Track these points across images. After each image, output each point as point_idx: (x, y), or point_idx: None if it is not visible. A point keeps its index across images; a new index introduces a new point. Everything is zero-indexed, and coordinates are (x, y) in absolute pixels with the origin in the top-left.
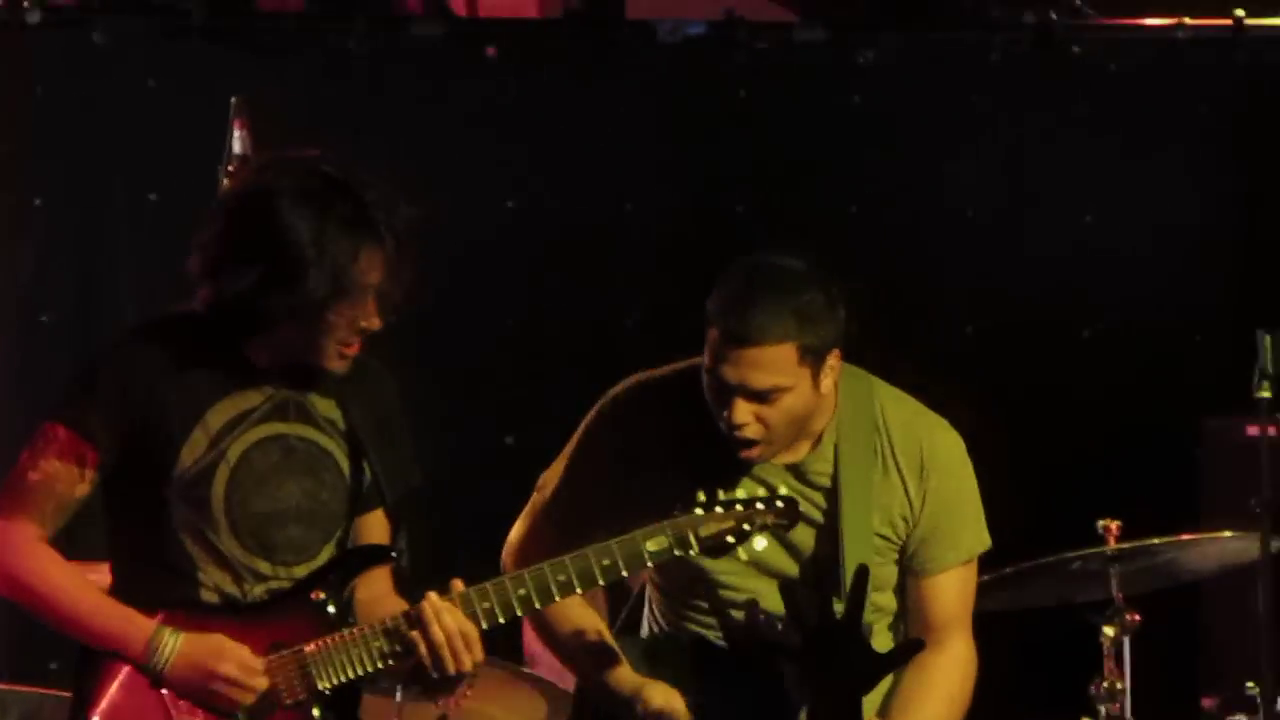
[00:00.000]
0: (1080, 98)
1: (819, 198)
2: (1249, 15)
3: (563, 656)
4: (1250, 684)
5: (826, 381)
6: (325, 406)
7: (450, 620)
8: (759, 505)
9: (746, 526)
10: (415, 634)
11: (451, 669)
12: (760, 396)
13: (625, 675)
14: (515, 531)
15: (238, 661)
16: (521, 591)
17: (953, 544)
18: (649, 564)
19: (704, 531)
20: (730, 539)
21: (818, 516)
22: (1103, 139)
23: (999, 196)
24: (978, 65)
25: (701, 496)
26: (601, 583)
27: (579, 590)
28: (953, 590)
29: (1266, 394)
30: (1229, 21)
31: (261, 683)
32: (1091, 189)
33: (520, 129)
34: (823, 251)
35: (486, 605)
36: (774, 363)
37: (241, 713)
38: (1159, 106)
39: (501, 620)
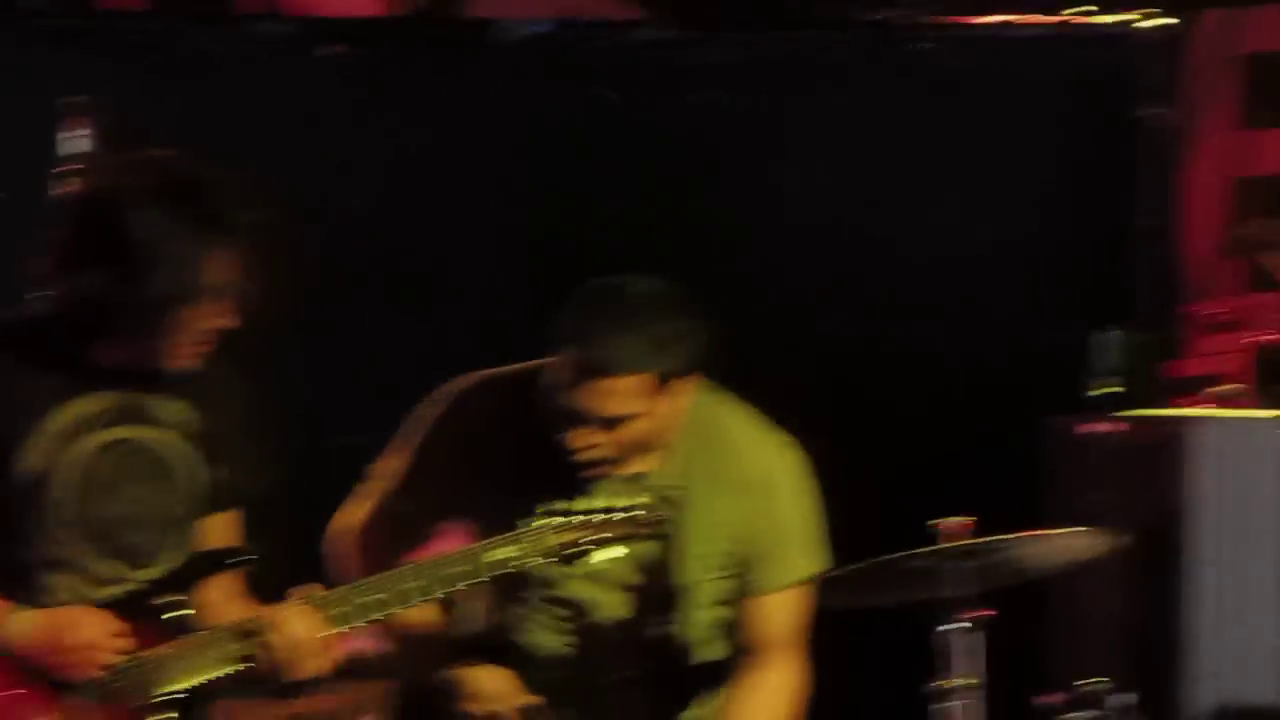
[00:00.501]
0: (920, 97)
1: (660, 198)
2: (1078, 15)
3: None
4: (1089, 681)
5: (680, 403)
6: (175, 409)
7: (296, 626)
8: (620, 515)
9: (608, 535)
10: (259, 639)
11: (294, 675)
12: (611, 424)
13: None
14: (346, 519)
15: (96, 625)
16: (376, 598)
17: (787, 565)
18: (509, 569)
19: (565, 539)
20: (591, 548)
21: (661, 527)
22: (942, 140)
23: (841, 198)
24: (819, 64)
25: (560, 504)
26: (460, 589)
27: (438, 596)
28: (784, 611)
29: (1101, 392)
30: (1056, 20)
31: (121, 645)
32: (932, 190)
33: (364, 128)
34: (663, 253)
35: (338, 611)
36: (627, 392)
37: (95, 685)
38: (995, 107)
39: (353, 626)
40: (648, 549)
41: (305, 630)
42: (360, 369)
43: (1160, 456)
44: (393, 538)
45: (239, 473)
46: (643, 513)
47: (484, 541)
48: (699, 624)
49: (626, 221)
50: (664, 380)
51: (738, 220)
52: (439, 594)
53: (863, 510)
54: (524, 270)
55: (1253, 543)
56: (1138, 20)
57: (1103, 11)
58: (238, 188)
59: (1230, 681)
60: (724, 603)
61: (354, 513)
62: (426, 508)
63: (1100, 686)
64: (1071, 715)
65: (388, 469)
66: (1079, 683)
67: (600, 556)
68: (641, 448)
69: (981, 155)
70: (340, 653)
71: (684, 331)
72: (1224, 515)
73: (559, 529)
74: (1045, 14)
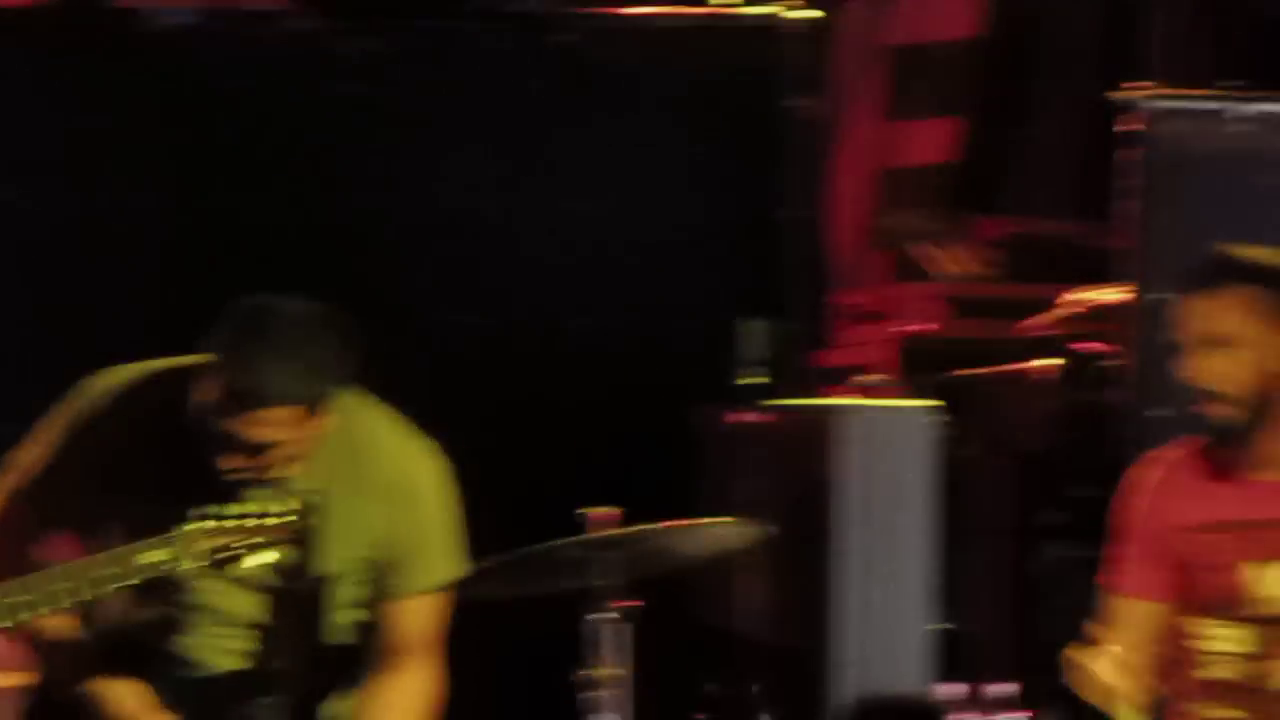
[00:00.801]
0: (570, 88)
1: (314, 193)
2: (725, 7)
3: None
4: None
5: (329, 419)
6: None
7: None
8: (270, 520)
9: (260, 540)
10: None
11: None
12: (262, 449)
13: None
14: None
15: None
16: (24, 599)
17: (425, 570)
18: (160, 573)
19: (216, 544)
20: (242, 553)
21: (304, 532)
22: (591, 133)
23: (490, 192)
24: (469, 56)
25: (213, 508)
26: (108, 592)
27: (88, 599)
28: (422, 615)
29: (749, 381)
30: (705, 11)
31: None
32: (582, 182)
33: (11, 120)
34: (320, 248)
35: None
36: (277, 422)
37: None
38: (643, 99)
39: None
40: (289, 553)
41: None
42: (4, 356)
43: (807, 446)
44: (20, 536)
45: None
46: (294, 517)
47: (135, 544)
48: (339, 626)
49: (272, 214)
50: (319, 404)
51: (384, 216)
52: (88, 596)
53: (513, 501)
54: (168, 263)
55: (899, 532)
56: (784, 12)
57: (750, 3)
58: None
59: (876, 670)
60: (364, 605)
61: None
62: (64, 505)
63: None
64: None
65: (24, 461)
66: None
67: (252, 561)
68: (291, 463)
69: (630, 148)
70: None
71: (337, 357)
72: (870, 505)
73: (211, 533)
74: (693, 6)
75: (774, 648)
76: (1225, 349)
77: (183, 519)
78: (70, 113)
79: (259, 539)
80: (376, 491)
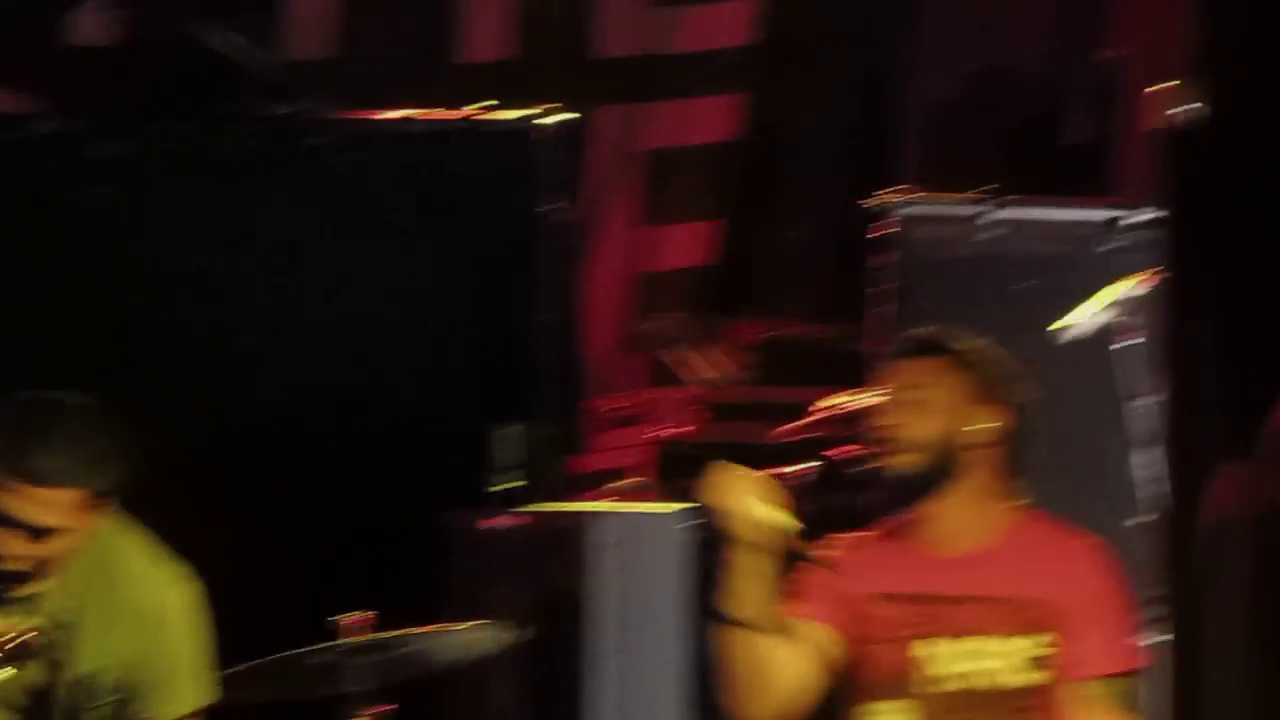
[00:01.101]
0: (323, 190)
1: (66, 293)
2: (481, 111)
3: None
4: None
5: (96, 520)
6: None
7: None
8: (12, 637)
9: None
10: None
11: None
12: (39, 534)
13: None
14: None
15: None
16: None
17: (175, 696)
18: None
19: None
20: None
21: (52, 652)
22: (343, 236)
23: (240, 293)
24: (223, 157)
25: None
26: None
27: None
28: None
29: (503, 487)
30: (459, 115)
31: None
32: (336, 285)
33: None
34: (64, 346)
35: None
36: (60, 505)
37: None
38: (396, 202)
39: None
40: (35, 672)
41: None
42: None
43: (561, 550)
44: None
45: None
46: (35, 634)
47: None
48: None
49: (29, 320)
50: (95, 499)
51: (132, 315)
52: None
53: (266, 606)
54: None
55: (654, 634)
56: (538, 116)
57: (505, 108)
58: None
59: None
60: None
61: None
62: None
63: None
64: None
65: None
66: None
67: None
68: (51, 566)
69: (384, 251)
70: None
71: (117, 451)
72: (625, 608)
73: None
74: (448, 109)
75: None
76: (917, 408)
77: None
78: None
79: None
80: (126, 615)
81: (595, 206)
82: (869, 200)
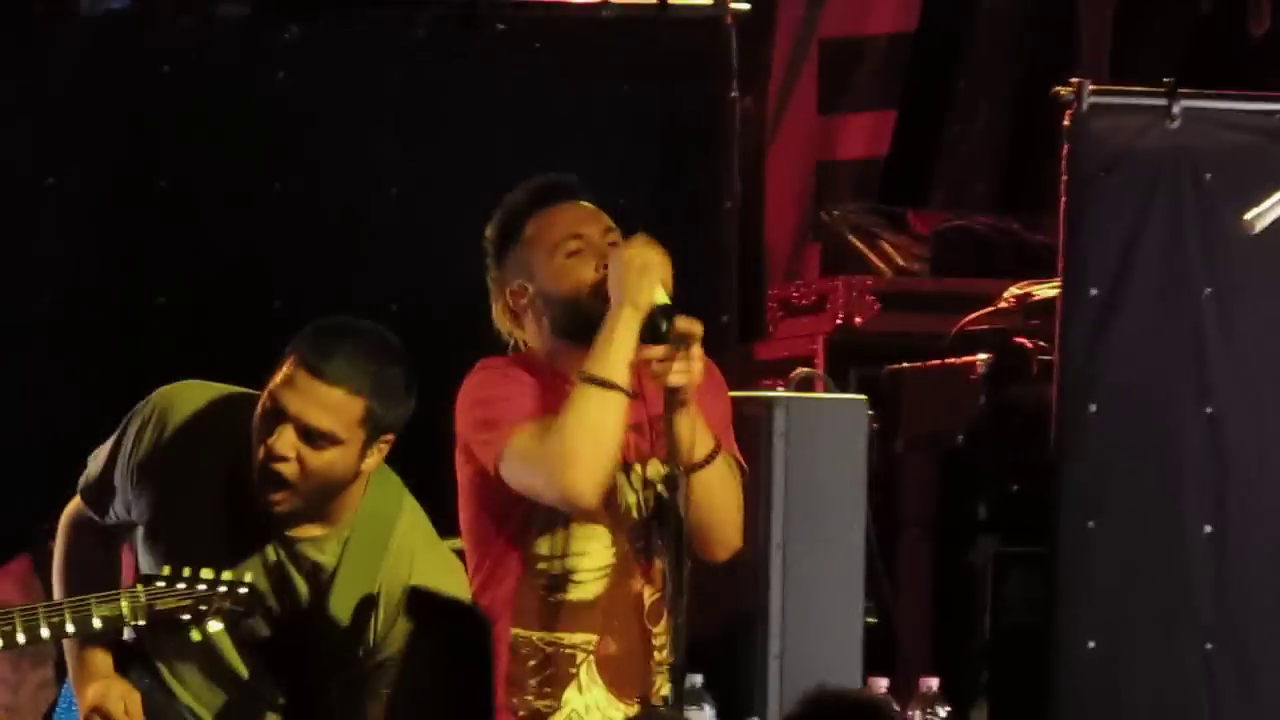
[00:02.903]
0: (505, 77)
1: (244, 176)
2: None
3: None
4: None
5: (370, 461)
6: None
7: None
8: (220, 588)
9: (203, 608)
10: None
11: None
12: (311, 437)
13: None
14: (68, 509)
15: None
16: None
17: None
18: (96, 629)
19: (160, 606)
20: (185, 617)
21: (297, 602)
22: (528, 119)
23: (423, 177)
24: (401, 42)
25: (166, 570)
26: (46, 638)
27: (22, 643)
28: None
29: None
30: (654, 1)
31: None
32: (515, 169)
33: None
34: (247, 229)
35: None
36: (338, 409)
37: None
38: (583, 87)
39: None
40: (260, 626)
41: None
42: None
43: (742, 435)
44: (92, 540)
45: None
46: (244, 589)
47: (79, 597)
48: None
49: (211, 199)
50: (372, 421)
51: (325, 197)
52: (27, 642)
53: None
54: (103, 245)
55: (828, 523)
56: (730, 2)
57: None
58: None
59: (806, 663)
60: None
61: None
62: (126, 515)
63: None
64: None
65: (99, 463)
66: None
67: (196, 630)
68: (324, 490)
69: (572, 138)
70: None
71: (405, 389)
72: (801, 497)
73: (160, 594)
74: None
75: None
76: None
77: (218, 555)
78: (4, 99)
79: (204, 607)
80: (384, 592)
81: (778, 95)
82: (1054, 90)
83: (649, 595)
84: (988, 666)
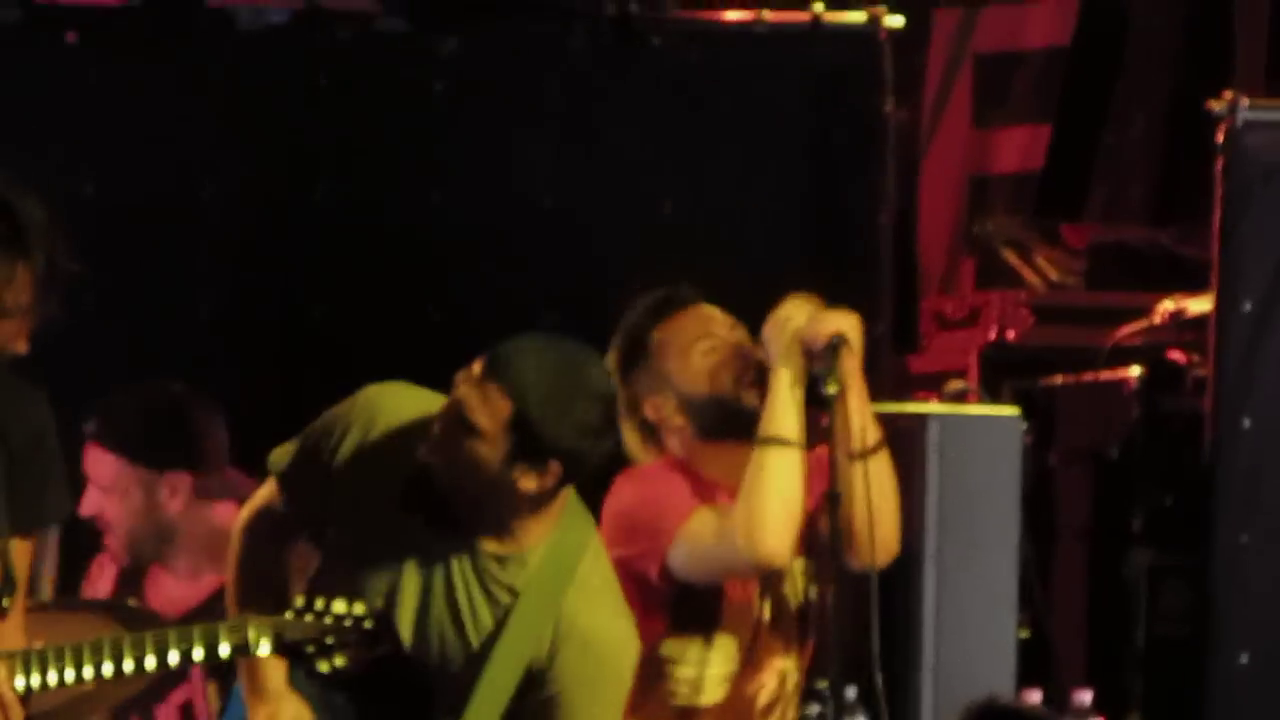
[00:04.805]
0: (660, 90)
1: (402, 187)
2: (827, 11)
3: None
4: None
5: (528, 481)
6: None
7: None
8: (347, 624)
9: (329, 641)
10: None
11: None
12: (469, 430)
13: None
14: (248, 506)
15: None
16: (89, 661)
17: None
18: (223, 657)
19: (289, 637)
20: (310, 649)
21: (487, 619)
22: (682, 132)
23: (577, 187)
24: (557, 55)
25: (299, 601)
26: (175, 664)
27: (151, 670)
28: None
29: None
30: (807, 17)
31: None
32: (669, 181)
33: (100, 117)
34: (404, 240)
35: (40, 672)
36: (486, 402)
37: None
38: (737, 100)
39: (58, 684)
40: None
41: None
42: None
43: (894, 451)
44: (269, 538)
45: (42, 494)
46: (370, 624)
47: (210, 624)
48: None
49: (370, 210)
50: (520, 428)
51: (481, 208)
52: (157, 669)
53: None
54: (264, 257)
55: (981, 538)
56: (882, 16)
57: (845, 7)
58: (35, 205)
59: (960, 675)
60: None
61: (254, 501)
62: (312, 515)
63: None
64: None
65: (285, 460)
66: None
67: (324, 663)
68: (470, 486)
69: (725, 150)
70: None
71: (581, 416)
72: (953, 511)
73: (291, 625)
74: (788, 10)
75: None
76: None
77: (404, 561)
78: (156, 112)
79: (330, 641)
80: (571, 639)
81: (932, 108)
82: (1208, 103)
83: (764, 697)
84: (1142, 679)
